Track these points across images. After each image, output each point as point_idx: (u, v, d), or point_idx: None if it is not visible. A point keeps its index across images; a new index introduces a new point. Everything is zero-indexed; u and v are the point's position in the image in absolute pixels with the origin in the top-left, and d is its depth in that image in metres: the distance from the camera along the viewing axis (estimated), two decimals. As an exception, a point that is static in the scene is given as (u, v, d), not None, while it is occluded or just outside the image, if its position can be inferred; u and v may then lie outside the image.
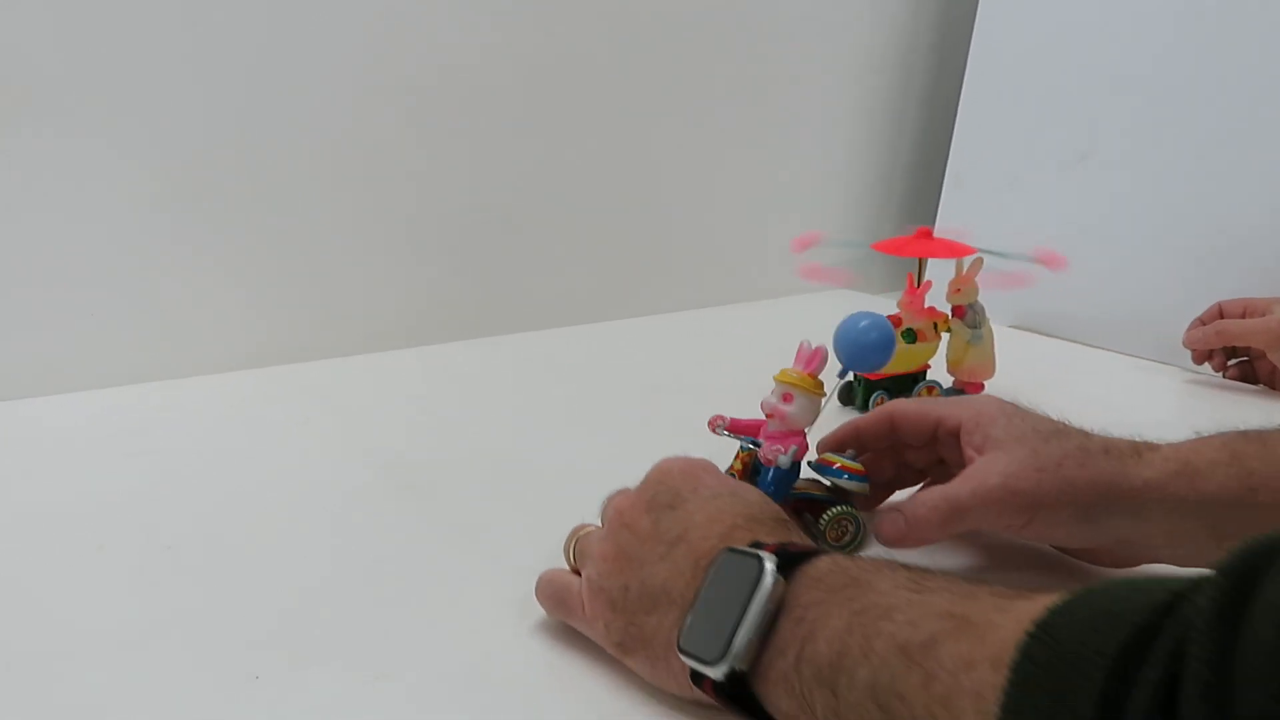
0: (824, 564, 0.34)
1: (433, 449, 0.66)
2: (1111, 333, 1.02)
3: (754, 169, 1.14)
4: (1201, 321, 0.87)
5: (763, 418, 0.51)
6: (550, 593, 0.43)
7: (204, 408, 0.73)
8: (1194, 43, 0.96)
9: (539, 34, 0.93)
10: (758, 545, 0.35)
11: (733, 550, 0.35)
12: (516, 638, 0.44)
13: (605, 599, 0.39)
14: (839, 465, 0.50)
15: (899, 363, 0.70)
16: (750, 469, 0.51)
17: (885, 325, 0.54)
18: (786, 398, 0.49)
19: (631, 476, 0.58)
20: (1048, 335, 1.06)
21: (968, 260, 0.73)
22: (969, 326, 0.73)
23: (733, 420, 0.52)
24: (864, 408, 0.72)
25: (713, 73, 1.07)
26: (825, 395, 0.50)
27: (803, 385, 0.49)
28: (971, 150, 1.15)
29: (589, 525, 0.45)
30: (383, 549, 0.52)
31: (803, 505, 0.50)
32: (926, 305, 0.74)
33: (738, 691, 0.33)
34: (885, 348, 0.52)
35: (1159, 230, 1.00)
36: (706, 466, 0.43)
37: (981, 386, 0.75)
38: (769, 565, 0.33)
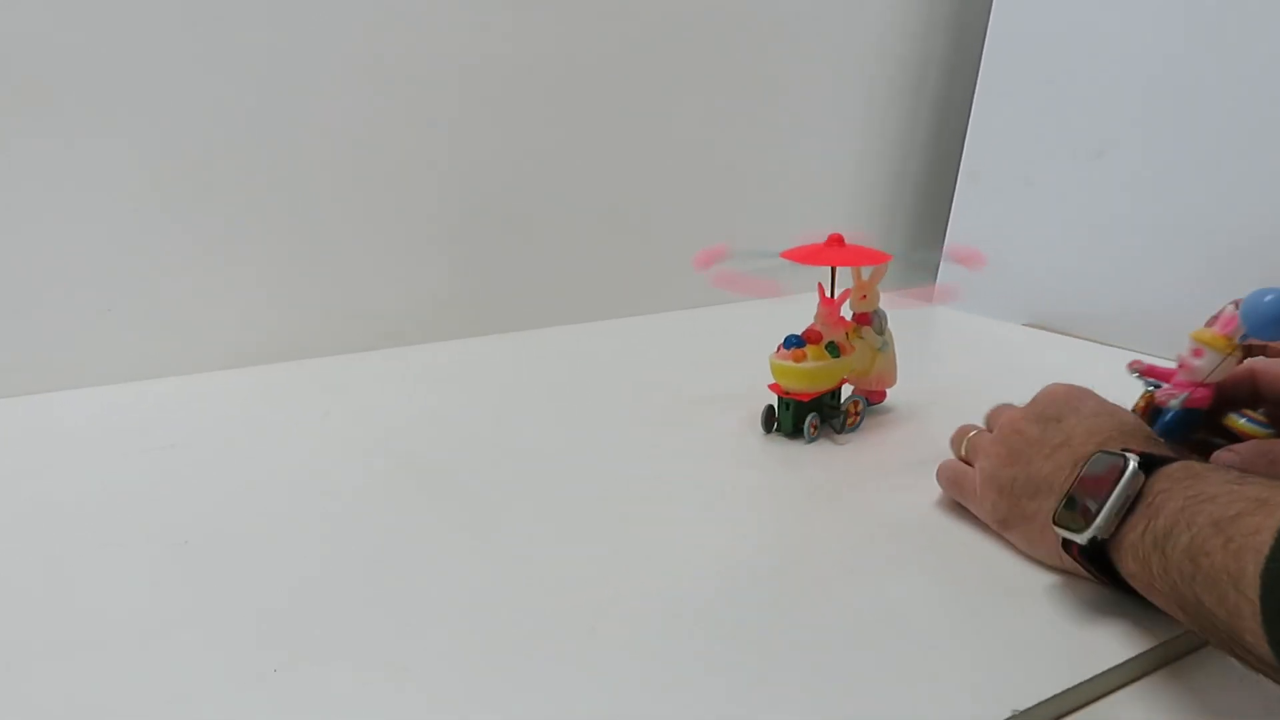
0: (1176, 465, 0.42)
1: (447, 444, 0.67)
2: (1127, 330, 1.01)
3: (765, 167, 1.14)
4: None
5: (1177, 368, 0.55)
6: (950, 475, 0.56)
7: (221, 402, 0.74)
8: (1210, 38, 0.95)
9: (549, 33, 0.93)
10: (1126, 450, 0.43)
11: (1105, 451, 0.45)
12: (530, 632, 0.44)
13: (995, 485, 0.50)
14: (1251, 415, 0.54)
15: (828, 380, 0.67)
16: (1149, 409, 0.55)
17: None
18: (1197, 353, 0.54)
19: (647, 472, 0.58)
20: (1062, 333, 1.05)
21: (868, 268, 0.70)
22: (877, 333, 0.71)
23: (1149, 365, 0.57)
24: (794, 432, 0.68)
25: (721, 70, 1.07)
26: (1234, 356, 0.53)
27: (1213, 344, 0.53)
28: (986, 147, 1.15)
29: (974, 426, 0.58)
30: (398, 543, 0.52)
31: (1201, 449, 0.54)
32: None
33: (1097, 555, 0.43)
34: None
35: (1175, 227, 0.99)
36: (1087, 391, 0.52)
37: (884, 395, 0.74)
38: (1133, 462, 0.42)
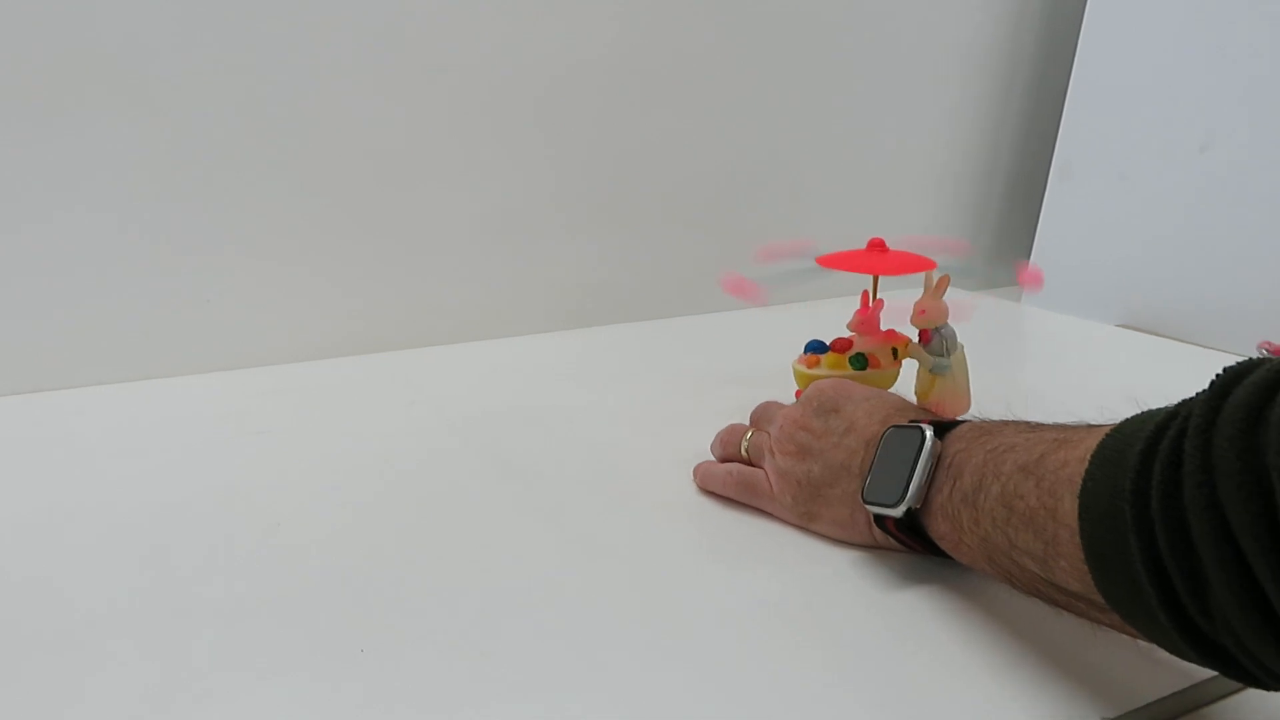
0: (964, 427, 0.45)
1: (526, 436, 0.68)
2: (1224, 332, 0.97)
3: (849, 163, 1.13)
4: None
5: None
6: (738, 480, 0.55)
7: (307, 393, 0.76)
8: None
9: (629, 28, 0.93)
10: (914, 423, 0.46)
11: (897, 427, 0.47)
12: (609, 622, 0.45)
13: (792, 480, 0.52)
14: None
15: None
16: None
17: None
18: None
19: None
20: (1159, 335, 1.01)
21: (935, 276, 0.64)
22: (933, 354, 0.64)
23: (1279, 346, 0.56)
24: None
25: (806, 63, 1.05)
26: None
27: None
28: (1080, 141, 1.11)
29: (741, 427, 0.59)
30: (479, 530, 0.54)
31: None
32: (885, 328, 0.66)
33: (912, 524, 0.45)
34: None
35: (1277, 225, 0.95)
36: (850, 383, 0.55)
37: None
38: (928, 431, 0.44)
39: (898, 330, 0.67)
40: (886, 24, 1.09)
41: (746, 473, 0.56)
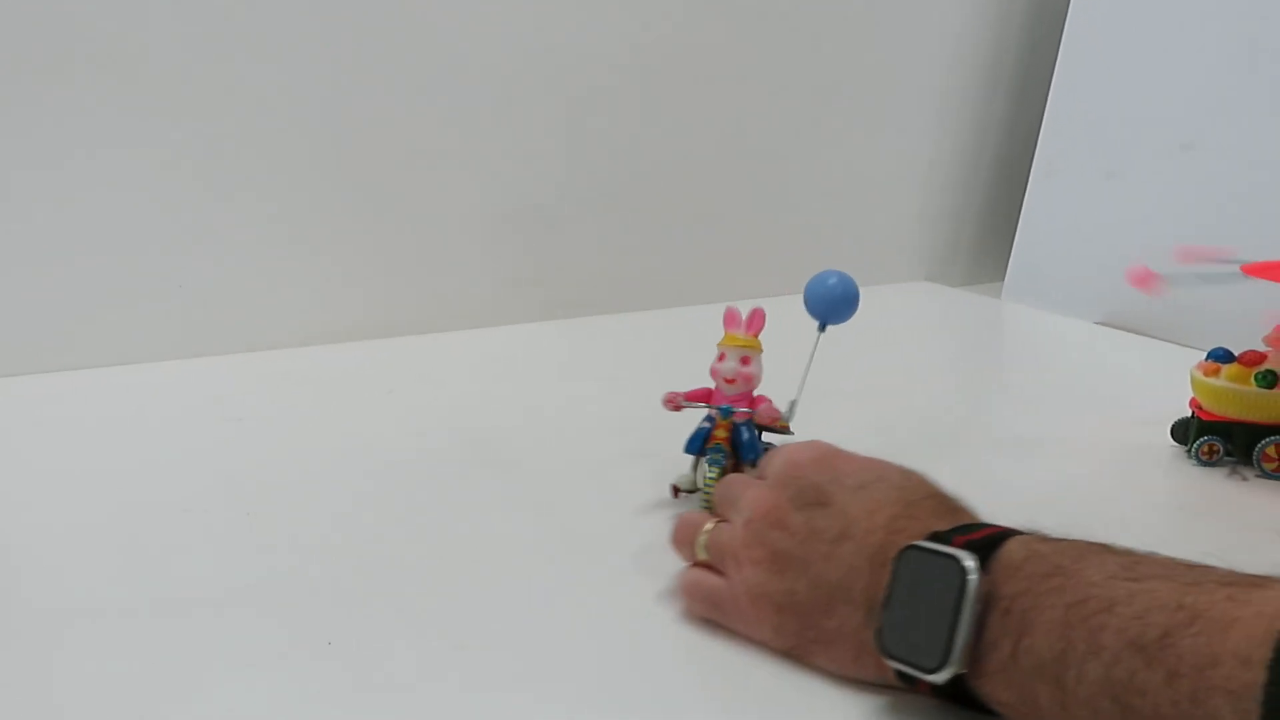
0: (1018, 551, 0.34)
1: (509, 425, 0.67)
2: (1205, 331, 0.97)
3: (833, 159, 1.12)
4: None
5: (708, 386, 0.54)
6: (702, 596, 0.42)
7: (288, 379, 0.75)
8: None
9: (625, 25, 0.93)
10: (937, 537, 0.35)
11: (919, 548, 0.35)
12: (590, 615, 0.44)
13: (770, 603, 0.39)
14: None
15: (1248, 409, 0.60)
16: (733, 434, 0.52)
17: (850, 282, 0.55)
18: (745, 360, 0.53)
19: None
20: (1139, 333, 1.02)
21: None
22: None
23: (687, 394, 0.55)
24: (1192, 448, 0.64)
25: (791, 61, 1.05)
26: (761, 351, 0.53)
27: (755, 347, 0.53)
28: (1063, 138, 1.11)
29: (702, 514, 0.46)
30: (464, 522, 0.53)
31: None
32: None
33: (957, 691, 0.34)
34: (851, 301, 0.54)
35: (1262, 224, 0.95)
36: (835, 451, 0.43)
37: None
38: (969, 563, 0.33)
39: None
40: (873, 21, 1.09)
41: (709, 584, 0.42)
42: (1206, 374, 0.63)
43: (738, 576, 0.40)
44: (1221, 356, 0.63)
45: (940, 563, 0.34)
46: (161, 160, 0.76)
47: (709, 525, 0.43)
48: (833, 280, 0.53)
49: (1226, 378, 0.62)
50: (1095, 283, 1.08)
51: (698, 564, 0.43)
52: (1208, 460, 0.63)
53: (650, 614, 0.44)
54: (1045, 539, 0.35)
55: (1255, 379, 0.61)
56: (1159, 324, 1.02)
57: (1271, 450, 0.62)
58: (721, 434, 0.52)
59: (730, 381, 0.53)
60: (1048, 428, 0.71)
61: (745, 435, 0.52)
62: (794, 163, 1.09)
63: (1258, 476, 0.62)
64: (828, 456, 0.42)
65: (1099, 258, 1.08)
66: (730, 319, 0.54)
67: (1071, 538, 0.34)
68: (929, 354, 0.97)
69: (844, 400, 0.75)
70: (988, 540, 0.34)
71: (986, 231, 1.27)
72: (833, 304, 0.53)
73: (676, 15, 0.96)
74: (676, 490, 0.54)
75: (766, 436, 0.54)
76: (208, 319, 0.81)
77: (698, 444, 0.53)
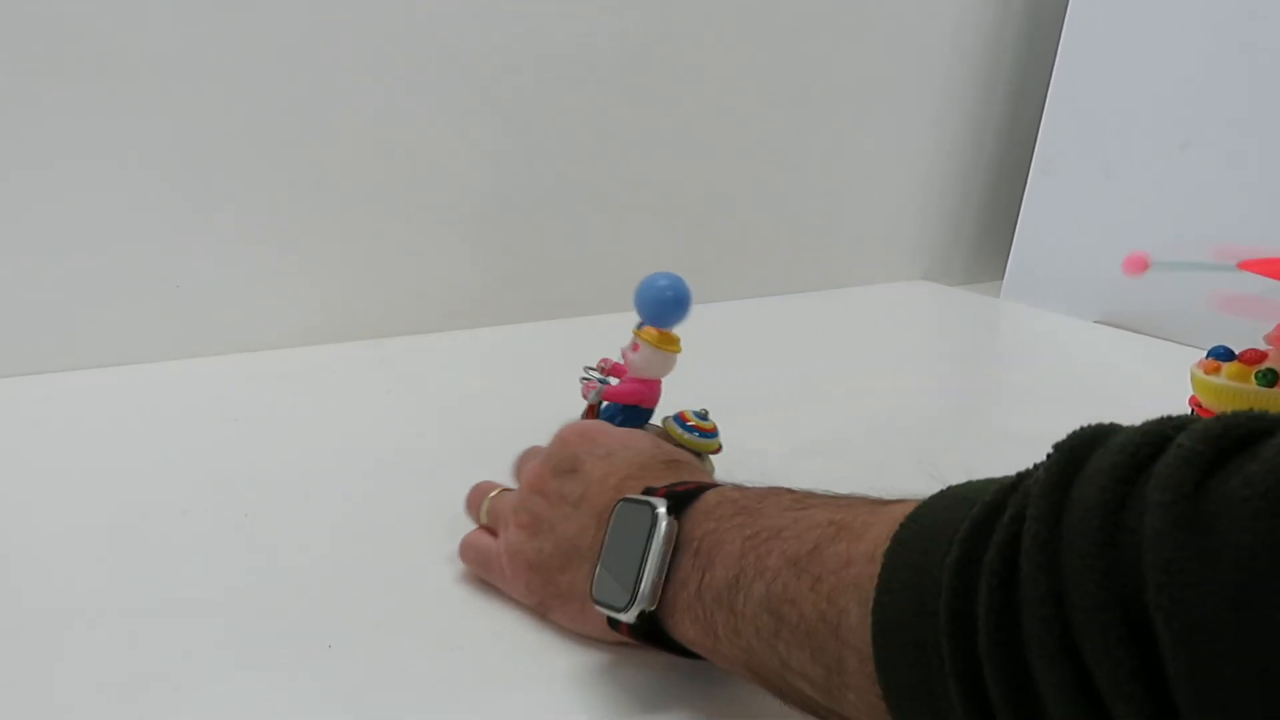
0: (712, 498, 0.36)
1: (517, 425, 0.66)
2: (1203, 329, 0.97)
3: (830, 157, 1.12)
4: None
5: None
6: (474, 557, 0.46)
7: (284, 380, 0.75)
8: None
9: (610, 17, 0.93)
10: (649, 491, 0.37)
11: (627, 500, 0.37)
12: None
13: (524, 561, 0.42)
14: (690, 422, 0.54)
15: (1244, 406, 0.58)
16: (595, 411, 0.55)
17: (681, 285, 0.55)
18: (635, 348, 0.54)
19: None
20: (1138, 332, 1.02)
21: None
22: None
23: (614, 364, 0.56)
24: None
25: (787, 57, 1.05)
26: (678, 350, 0.54)
27: (648, 339, 0.53)
28: (1061, 138, 1.11)
29: (492, 483, 0.48)
30: (464, 522, 0.53)
31: None
32: None
33: (651, 629, 0.36)
34: (679, 305, 0.54)
35: (1259, 222, 0.95)
36: (601, 427, 0.46)
37: None
38: (660, 509, 0.35)
39: None
40: (871, 20, 1.09)
41: (483, 544, 0.45)
42: (1207, 372, 0.63)
43: (503, 538, 0.44)
44: (1222, 355, 0.62)
45: (639, 510, 0.36)
46: (160, 161, 0.76)
47: (493, 493, 0.47)
48: (663, 282, 0.53)
49: (1227, 376, 0.61)
50: (1094, 281, 1.08)
51: (482, 527, 0.47)
52: None
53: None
54: (739, 487, 0.37)
55: (1256, 377, 0.60)
56: (1158, 322, 1.02)
57: None
58: (590, 415, 0.55)
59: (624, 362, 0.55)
60: (1046, 426, 0.70)
61: (602, 415, 0.54)
62: (791, 162, 1.09)
63: None
64: (591, 431, 0.45)
65: (1098, 256, 1.08)
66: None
67: (763, 486, 0.37)
68: (927, 353, 0.97)
69: (841, 398, 0.75)
70: (689, 493, 0.36)
71: (985, 230, 1.27)
72: (663, 306, 0.53)
73: (671, 12, 0.96)
74: None
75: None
76: (206, 319, 0.81)
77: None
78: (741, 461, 0.62)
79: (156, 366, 0.77)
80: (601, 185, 0.98)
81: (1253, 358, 0.61)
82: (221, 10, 0.75)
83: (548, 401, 0.72)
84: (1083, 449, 0.24)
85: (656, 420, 0.55)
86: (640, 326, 0.54)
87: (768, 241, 1.10)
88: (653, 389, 0.54)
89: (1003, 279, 1.15)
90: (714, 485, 0.37)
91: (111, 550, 0.49)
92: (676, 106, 0.99)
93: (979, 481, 0.29)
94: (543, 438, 0.64)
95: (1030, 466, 0.27)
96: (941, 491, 0.29)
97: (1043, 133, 1.12)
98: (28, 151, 0.71)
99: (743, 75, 1.02)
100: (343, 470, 0.59)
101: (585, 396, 0.54)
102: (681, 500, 0.36)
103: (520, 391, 0.75)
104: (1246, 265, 0.60)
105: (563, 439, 0.45)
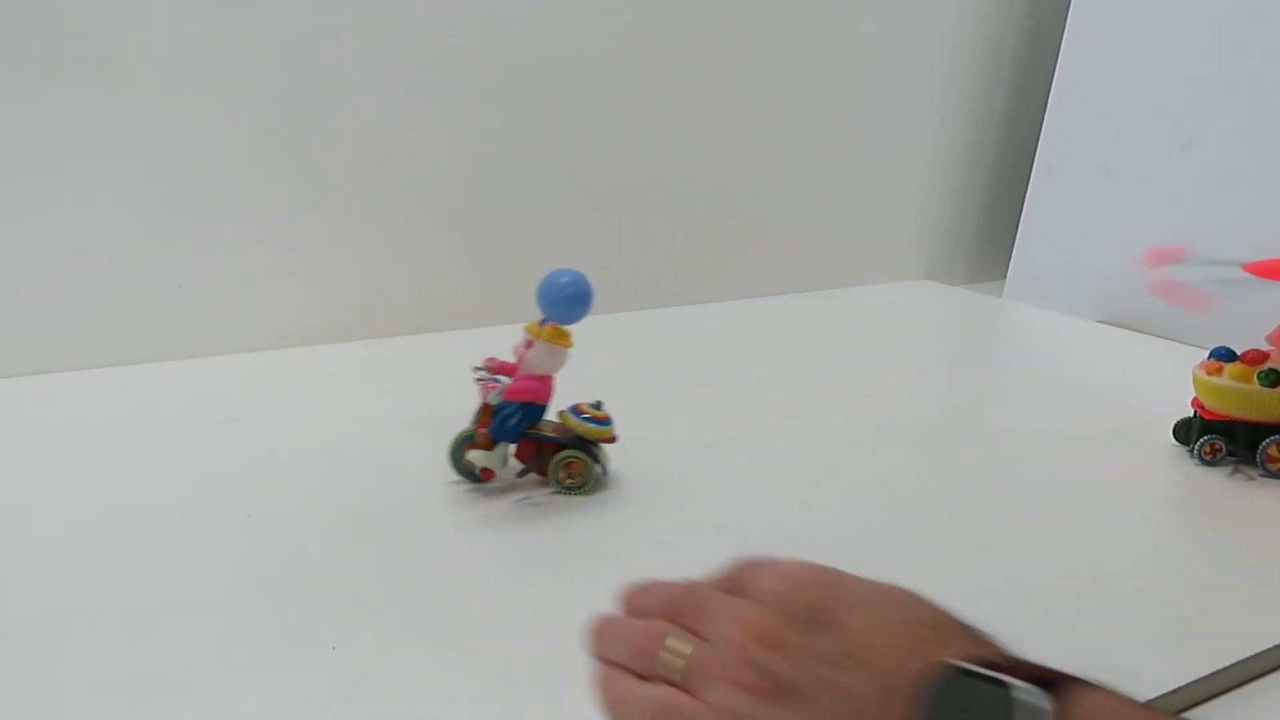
0: (1097, 702, 0.28)
1: None
2: (1206, 329, 0.97)
3: (832, 157, 1.12)
4: None
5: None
6: (659, 713, 0.34)
7: (285, 380, 0.75)
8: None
9: (612, 15, 0.92)
10: (983, 663, 0.29)
11: (963, 671, 0.29)
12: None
13: None
14: (586, 413, 0.56)
15: (1251, 408, 0.61)
16: (490, 410, 0.55)
17: (583, 282, 0.54)
18: (528, 344, 0.54)
19: (682, 464, 0.57)
20: (1140, 332, 1.02)
21: None
22: None
23: (501, 363, 0.56)
24: (1195, 448, 0.64)
25: (789, 57, 1.05)
26: (570, 346, 0.54)
27: (541, 335, 0.54)
28: (1063, 137, 1.11)
29: (654, 626, 0.36)
30: (464, 522, 0.53)
31: (547, 445, 0.56)
32: None
33: None
34: (580, 302, 0.53)
35: (1262, 222, 0.95)
36: (836, 571, 0.36)
37: None
38: (1030, 700, 0.27)
39: None
40: (872, 20, 1.09)
41: (666, 702, 0.34)
42: (1209, 373, 0.63)
43: (716, 701, 0.33)
44: (1224, 355, 0.63)
45: (986, 690, 0.28)
46: (160, 162, 0.76)
47: (670, 639, 0.35)
48: (565, 279, 0.53)
49: (1229, 376, 0.62)
50: (1096, 281, 1.07)
51: (644, 675, 0.35)
52: (1210, 460, 0.63)
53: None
54: (1124, 700, 0.29)
55: (1258, 378, 0.61)
56: (1160, 323, 1.01)
57: (1275, 449, 0.61)
58: (485, 414, 0.56)
59: (520, 360, 0.55)
60: (1048, 425, 0.71)
61: (500, 413, 0.55)
62: (793, 161, 1.09)
63: (1261, 475, 0.62)
64: (826, 575, 0.35)
65: (1100, 256, 1.07)
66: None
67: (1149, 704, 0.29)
68: (928, 352, 0.97)
69: (843, 397, 0.75)
70: (1049, 678, 0.28)
71: (986, 230, 1.27)
72: (566, 303, 0.53)
73: (672, 12, 0.95)
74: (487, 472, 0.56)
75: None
76: (206, 319, 0.81)
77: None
78: (745, 457, 0.63)
79: (156, 366, 0.77)
80: (602, 185, 0.97)
81: (1255, 358, 0.61)
82: (222, 10, 0.75)
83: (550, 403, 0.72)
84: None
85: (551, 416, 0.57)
86: (543, 323, 0.54)
87: (770, 241, 1.10)
88: (547, 385, 0.55)
89: (1005, 279, 1.15)
90: (1071, 675, 0.29)
91: (111, 550, 0.49)
92: (678, 107, 0.99)
93: None
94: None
95: None
96: None
97: (1045, 133, 1.12)
98: (28, 152, 0.71)
99: (744, 75, 1.02)
100: (343, 470, 0.59)
101: (485, 397, 0.54)
102: (1049, 684, 0.28)
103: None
104: (1250, 268, 0.60)
105: (790, 579, 0.35)
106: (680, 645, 0.34)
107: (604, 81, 0.94)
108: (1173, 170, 1.02)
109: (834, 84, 1.09)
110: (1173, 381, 0.67)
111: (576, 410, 0.56)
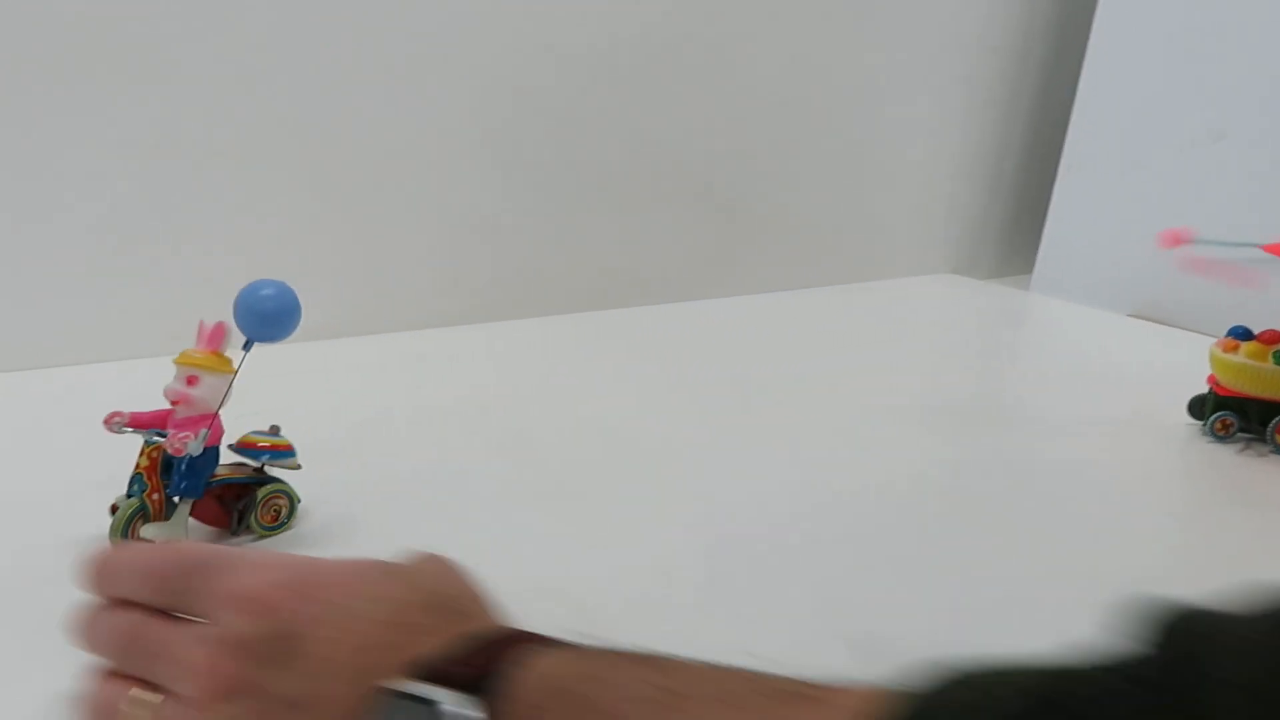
0: (533, 679, 0.26)
1: (516, 423, 0.67)
2: (1235, 322, 0.97)
3: (859, 155, 1.13)
4: None
5: (168, 407, 0.47)
6: None
7: (285, 378, 0.75)
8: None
9: (642, 8, 0.93)
10: (423, 674, 0.27)
11: (387, 692, 0.26)
12: (603, 616, 0.45)
13: None
14: (265, 445, 0.49)
15: (1265, 385, 0.62)
16: (161, 465, 0.47)
17: (288, 294, 0.47)
18: (191, 380, 0.46)
19: (704, 461, 0.58)
20: (1169, 325, 1.02)
21: None
22: None
23: (134, 415, 0.47)
24: (1207, 423, 0.65)
25: (829, 56, 1.05)
26: (235, 372, 0.47)
27: (208, 365, 0.46)
28: (1091, 130, 1.11)
29: (121, 686, 0.31)
30: (463, 523, 0.53)
31: (228, 492, 0.49)
32: None
33: None
34: (285, 317, 0.46)
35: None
36: (305, 568, 0.31)
37: None
38: (456, 713, 0.25)
39: None
40: (900, 17, 1.09)
41: None
42: (1225, 351, 0.64)
43: None
44: (1241, 334, 0.64)
45: (409, 711, 0.26)
46: (160, 161, 0.76)
47: (140, 694, 0.30)
48: (268, 291, 0.45)
49: (1245, 354, 0.63)
50: (1124, 275, 1.07)
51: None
52: (1222, 435, 0.64)
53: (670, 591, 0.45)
54: (571, 647, 0.28)
55: (1274, 357, 0.62)
56: (1187, 315, 1.01)
57: None
58: (144, 462, 0.47)
59: (175, 404, 0.46)
60: (1076, 417, 0.71)
61: (176, 466, 0.46)
62: (821, 157, 1.10)
63: (1272, 452, 0.63)
64: (295, 579, 0.30)
65: (1127, 250, 1.07)
66: (199, 332, 0.47)
67: (603, 649, 0.27)
68: (957, 345, 0.97)
69: (872, 390, 0.76)
70: (487, 666, 0.27)
71: (1014, 224, 1.27)
72: (275, 318, 0.46)
73: (700, 6, 0.95)
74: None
75: (274, 470, 0.50)
76: (206, 318, 0.80)
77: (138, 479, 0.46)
78: (770, 452, 0.64)
79: (156, 364, 0.76)
80: (631, 181, 0.98)
81: (1271, 338, 0.62)
82: (223, 10, 0.75)
83: (549, 400, 0.73)
84: (1187, 640, 0.20)
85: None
86: (247, 346, 0.46)
87: (798, 236, 1.10)
88: (219, 421, 0.47)
89: (1032, 273, 1.15)
90: (518, 636, 0.28)
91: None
92: (707, 102, 1.00)
93: (986, 674, 0.21)
94: (550, 436, 0.65)
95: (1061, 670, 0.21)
96: (929, 699, 0.21)
97: (1072, 127, 1.12)
98: (28, 151, 0.71)
99: (773, 72, 1.03)
100: (344, 470, 0.59)
101: (181, 452, 0.45)
102: (477, 683, 0.26)
103: (529, 388, 0.75)
104: (1271, 249, 0.61)
105: (248, 601, 0.29)
106: (143, 701, 0.30)
107: (633, 77, 0.95)
108: (1199, 164, 1.01)
109: (864, 81, 1.10)
110: (1200, 374, 0.68)
111: (249, 448, 0.49)
